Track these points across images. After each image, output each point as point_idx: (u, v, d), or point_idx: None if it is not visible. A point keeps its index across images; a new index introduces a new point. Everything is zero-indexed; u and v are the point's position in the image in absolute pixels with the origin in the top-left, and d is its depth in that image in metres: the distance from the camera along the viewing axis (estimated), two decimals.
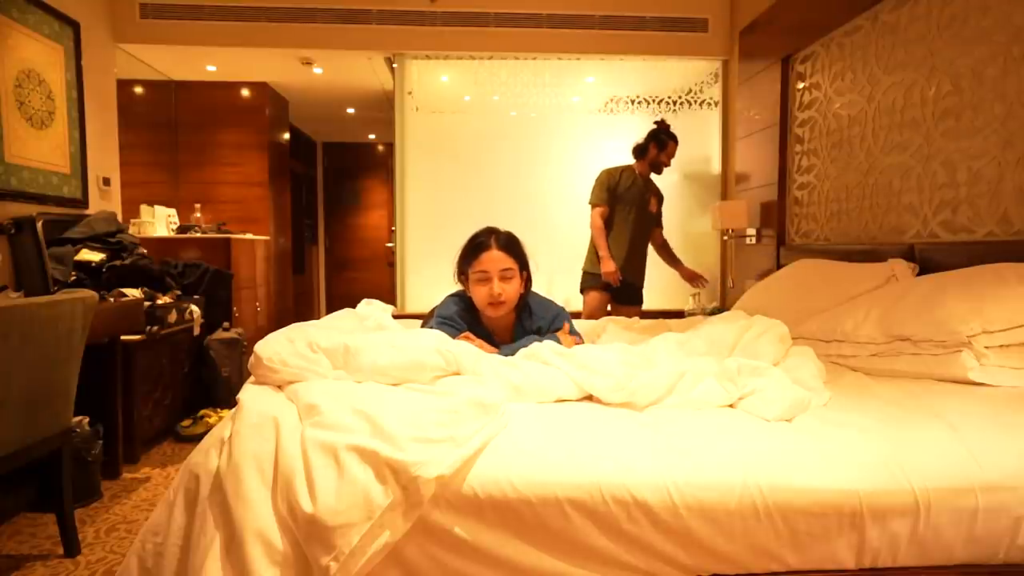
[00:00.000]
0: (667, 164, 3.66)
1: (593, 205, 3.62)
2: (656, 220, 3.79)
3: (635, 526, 1.16)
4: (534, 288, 2.11)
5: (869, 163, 2.87)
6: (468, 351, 1.60)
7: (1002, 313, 1.71)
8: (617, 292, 3.61)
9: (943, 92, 2.43)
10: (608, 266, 3.51)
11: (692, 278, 3.84)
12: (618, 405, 1.46)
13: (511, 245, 1.97)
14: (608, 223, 3.60)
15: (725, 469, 1.20)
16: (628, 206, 3.60)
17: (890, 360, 1.87)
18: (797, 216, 3.51)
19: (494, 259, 1.91)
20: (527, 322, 2.03)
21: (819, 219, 3.29)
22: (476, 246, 1.94)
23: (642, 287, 3.77)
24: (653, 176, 3.73)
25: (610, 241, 3.59)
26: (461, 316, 1.99)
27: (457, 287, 2.08)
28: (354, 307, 2.37)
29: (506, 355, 1.76)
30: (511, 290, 1.93)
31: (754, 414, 1.41)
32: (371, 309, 2.32)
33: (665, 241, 3.90)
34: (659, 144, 3.62)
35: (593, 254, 3.64)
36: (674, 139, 3.64)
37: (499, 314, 1.95)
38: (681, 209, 4.54)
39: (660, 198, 3.79)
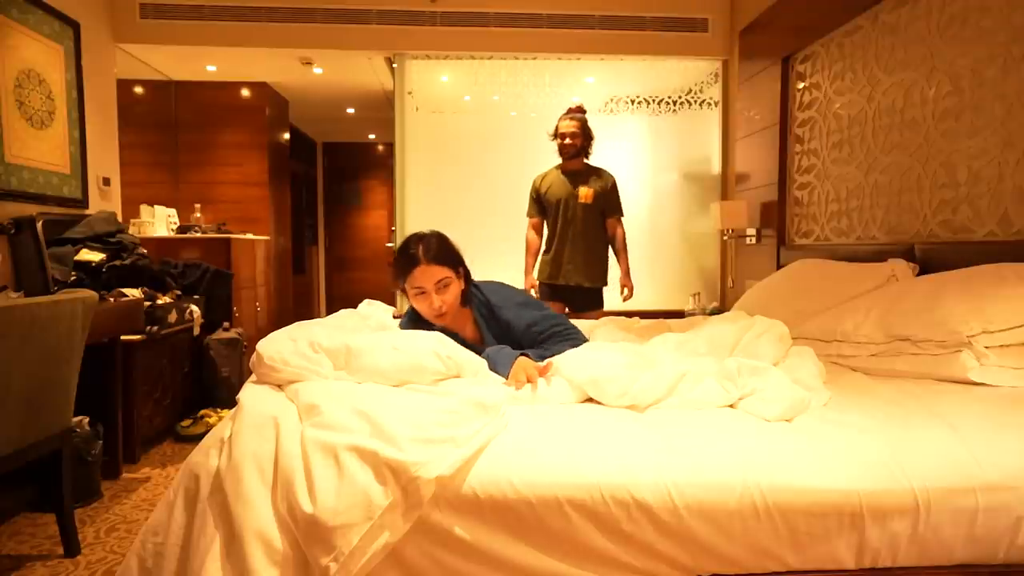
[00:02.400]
0: (564, 141, 3.33)
1: (527, 217, 3.53)
2: (604, 211, 3.41)
3: (635, 526, 1.16)
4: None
5: (869, 163, 2.87)
6: (468, 355, 1.60)
7: (1002, 313, 1.71)
8: (564, 298, 3.42)
9: (943, 92, 2.43)
10: (525, 282, 3.50)
11: (622, 285, 3.50)
12: (619, 406, 1.46)
13: (441, 253, 1.85)
14: (544, 230, 3.50)
15: (725, 469, 1.20)
16: (553, 208, 3.39)
17: (890, 360, 1.87)
18: (797, 216, 3.51)
19: (427, 274, 1.81)
20: (489, 317, 1.95)
21: (819, 219, 3.29)
22: (407, 261, 1.83)
23: (597, 289, 3.45)
24: (598, 164, 3.48)
25: (544, 249, 3.47)
26: (419, 317, 1.93)
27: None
28: (354, 307, 2.37)
29: (490, 357, 1.72)
30: (451, 298, 1.86)
31: (754, 414, 1.41)
32: (372, 309, 2.32)
33: (617, 234, 3.47)
34: (554, 129, 3.41)
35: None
36: (566, 115, 3.37)
37: (446, 322, 1.88)
38: (681, 209, 4.54)
39: (602, 186, 3.37)
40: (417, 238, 1.87)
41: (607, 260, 3.50)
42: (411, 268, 1.82)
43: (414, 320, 1.94)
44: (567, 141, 3.34)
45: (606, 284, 3.49)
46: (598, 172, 3.45)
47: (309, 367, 1.50)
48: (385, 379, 1.50)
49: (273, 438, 1.24)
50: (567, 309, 3.48)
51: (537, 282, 3.52)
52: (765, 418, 1.38)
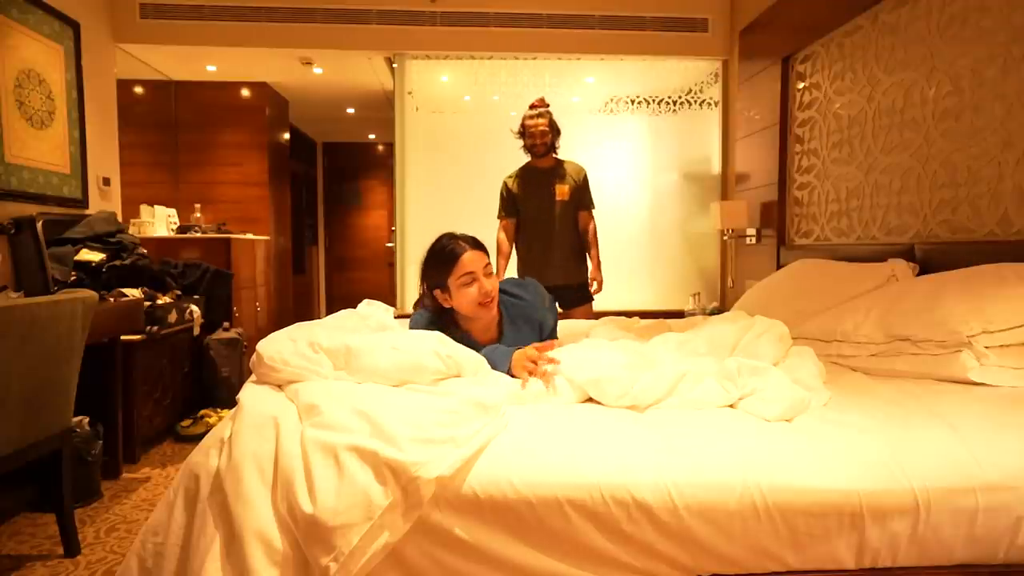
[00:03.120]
0: (534, 141, 3.25)
1: (497, 219, 3.45)
2: (577, 205, 3.35)
3: (635, 527, 1.16)
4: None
5: (869, 163, 2.87)
6: (469, 354, 1.60)
7: (1002, 313, 1.71)
8: (555, 299, 3.37)
9: (943, 92, 2.43)
10: None
11: (592, 279, 3.41)
12: (619, 406, 1.46)
13: (478, 242, 1.90)
14: (518, 232, 3.41)
15: (725, 469, 1.20)
16: (528, 206, 3.33)
17: (890, 360, 1.87)
18: (797, 216, 3.51)
19: (474, 259, 1.83)
20: (516, 313, 1.96)
21: (819, 219, 3.29)
22: (449, 254, 1.84)
23: (580, 284, 3.39)
24: (570, 158, 3.44)
25: (524, 252, 3.39)
26: (437, 319, 1.90)
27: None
28: (354, 307, 2.37)
29: (488, 356, 1.68)
30: (497, 284, 1.88)
31: (754, 414, 1.41)
32: (372, 309, 2.32)
33: (589, 228, 3.40)
34: (520, 128, 3.32)
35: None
36: (534, 113, 3.27)
37: (492, 312, 1.87)
38: (681, 209, 4.54)
39: (576, 181, 3.33)
40: (449, 236, 1.91)
41: (584, 255, 3.45)
42: (457, 257, 1.82)
43: (433, 322, 1.88)
44: (538, 141, 3.27)
45: (587, 277, 3.45)
46: (569, 165, 3.38)
47: (309, 367, 1.50)
48: (385, 379, 1.50)
49: (273, 438, 1.24)
50: (559, 309, 3.44)
51: None
52: (765, 418, 1.38)
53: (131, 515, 2.39)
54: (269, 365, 1.50)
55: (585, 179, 3.39)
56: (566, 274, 3.33)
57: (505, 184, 3.42)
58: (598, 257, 3.41)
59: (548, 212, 3.32)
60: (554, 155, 3.36)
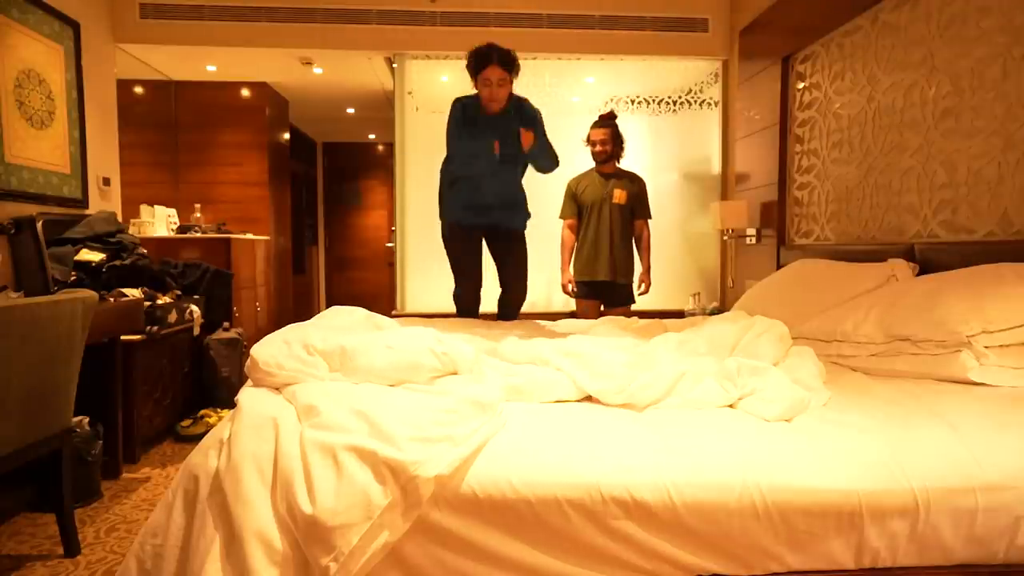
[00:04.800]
0: (595, 149, 3.54)
1: (561, 219, 3.72)
2: (634, 212, 3.61)
3: (634, 526, 1.16)
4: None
5: (869, 163, 2.87)
6: (464, 351, 1.60)
7: (1002, 313, 1.71)
8: (600, 293, 3.61)
9: (943, 92, 2.43)
10: (562, 278, 3.67)
11: (641, 281, 3.69)
12: (617, 405, 1.47)
13: (506, 60, 2.83)
14: (578, 231, 3.67)
15: (724, 469, 1.20)
16: (589, 208, 3.59)
17: (890, 360, 1.87)
18: (797, 216, 3.51)
19: (494, 72, 2.83)
20: (517, 107, 3.00)
21: (819, 219, 3.29)
22: (482, 58, 2.83)
23: (628, 284, 3.64)
24: (628, 167, 3.70)
25: (578, 247, 3.64)
26: (468, 111, 2.98)
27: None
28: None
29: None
30: (504, 92, 2.90)
31: (754, 414, 1.41)
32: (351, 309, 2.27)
33: (643, 235, 3.68)
34: (587, 138, 3.62)
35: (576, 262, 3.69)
36: (596, 123, 3.57)
37: (498, 108, 2.94)
38: (681, 209, 4.54)
39: (634, 189, 3.59)
40: (492, 46, 2.85)
41: (633, 257, 3.68)
42: (485, 66, 2.84)
43: (464, 115, 2.98)
44: (597, 148, 3.55)
45: (633, 280, 3.68)
46: (630, 176, 3.66)
47: (304, 370, 1.49)
48: (381, 379, 1.50)
49: (272, 439, 1.24)
50: (602, 305, 3.66)
51: (573, 278, 3.68)
52: (765, 418, 1.38)
53: (131, 515, 2.39)
54: (264, 370, 1.49)
55: (643, 189, 3.67)
56: (613, 273, 3.56)
57: (568, 185, 3.70)
58: (648, 262, 3.71)
59: (604, 214, 3.56)
60: (616, 163, 3.63)
